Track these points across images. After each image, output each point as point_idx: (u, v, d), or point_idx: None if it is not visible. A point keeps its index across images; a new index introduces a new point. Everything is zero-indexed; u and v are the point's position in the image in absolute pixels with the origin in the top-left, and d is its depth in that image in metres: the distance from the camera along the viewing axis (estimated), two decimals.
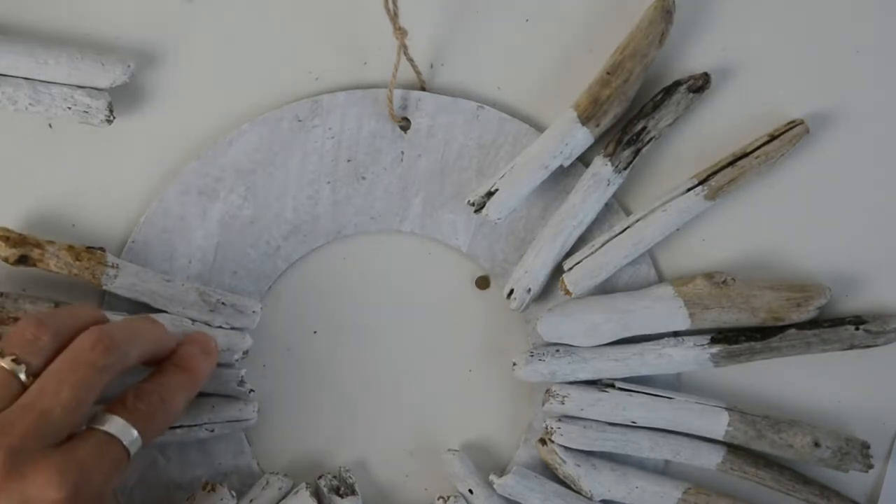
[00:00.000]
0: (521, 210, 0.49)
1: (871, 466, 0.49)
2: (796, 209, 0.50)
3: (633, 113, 0.48)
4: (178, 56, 0.48)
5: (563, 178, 0.49)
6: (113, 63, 0.46)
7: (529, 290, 0.48)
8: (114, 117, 0.46)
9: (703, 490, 0.49)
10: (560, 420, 0.48)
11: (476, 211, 0.48)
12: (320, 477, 0.49)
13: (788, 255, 0.50)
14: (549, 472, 0.49)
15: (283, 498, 0.48)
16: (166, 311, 0.46)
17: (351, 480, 0.49)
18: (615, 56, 0.47)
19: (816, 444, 0.48)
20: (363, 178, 0.49)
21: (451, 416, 0.51)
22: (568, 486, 0.49)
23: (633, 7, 0.48)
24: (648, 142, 0.48)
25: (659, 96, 0.48)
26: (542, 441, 0.49)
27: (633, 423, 0.48)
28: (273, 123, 0.48)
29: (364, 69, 0.49)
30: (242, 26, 0.48)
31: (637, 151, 0.48)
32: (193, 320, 0.46)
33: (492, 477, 0.49)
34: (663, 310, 0.48)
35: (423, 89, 0.49)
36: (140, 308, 0.46)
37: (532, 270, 0.48)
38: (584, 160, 0.49)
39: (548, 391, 0.49)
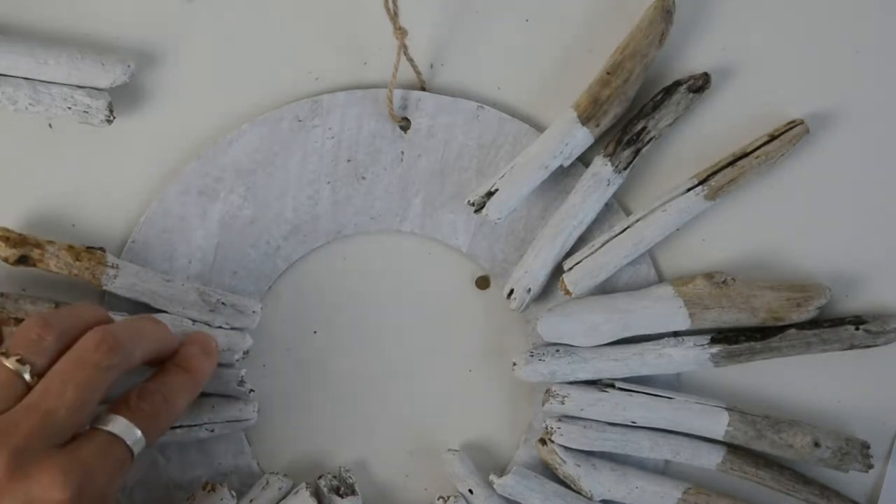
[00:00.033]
0: (521, 210, 0.49)
1: (871, 466, 0.49)
2: (796, 209, 0.50)
3: (633, 113, 0.48)
4: (178, 56, 0.48)
5: (563, 178, 0.49)
6: (113, 63, 0.46)
7: (529, 290, 0.48)
8: (114, 117, 0.46)
9: (703, 490, 0.49)
10: (560, 420, 0.48)
11: (476, 211, 0.48)
12: (320, 477, 0.49)
13: (788, 255, 0.50)
14: (549, 472, 0.49)
15: (283, 498, 0.48)
16: (166, 312, 0.46)
17: (351, 480, 0.49)
18: (615, 56, 0.47)
19: (816, 444, 0.48)
20: (363, 178, 0.49)
21: (451, 416, 0.51)
22: (568, 486, 0.49)
23: (633, 7, 0.48)
24: (648, 142, 0.48)
25: (659, 96, 0.48)
26: (542, 441, 0.49)
27: (633, 423, 0.48)
28: (273, 123, 0.48)
29: (364, 69, 0.49)
30: (242, 26, 0.48)
31: (637, 151, 0.48)
32: (193, 320, 0.46)
33: (492, 477, 0.49)
34: (663, 310, 0.48)
35: (423, 89, 0.49)
36: (140, 308, 0.46)
37: (532, 270, 0.48)
38: (584, 160, 0.49)
39: (548, 391, 0.49)
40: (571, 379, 0.49)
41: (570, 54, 0.49)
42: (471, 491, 0.49)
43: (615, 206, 0.49)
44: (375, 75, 0.49)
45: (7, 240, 0.44)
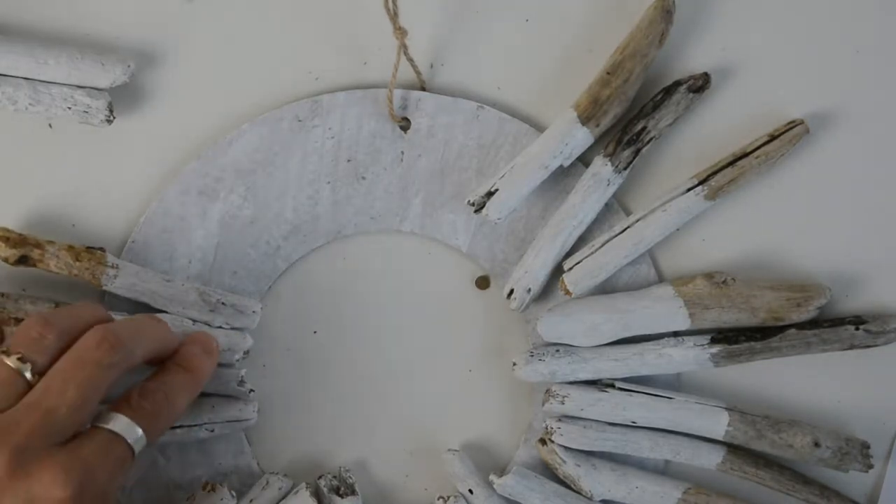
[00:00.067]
0: (521, 210, 0.49)
1: (871, 466, 0.49)
2: (796, 209, 0.50)
3: (633, 113, 0.48)
4: (178, 56, 0.48)
5: (563, 178, 0.49)
6: (113, 63, 0.46)
7: (529, 290, 0.48)
8: (114, 117, 0.46)
9: (703, 490, 0.49)
10: (560, 420, 0.48)
11: (476, 211, 0.48)
12: (320, 477, 0.49)
13: (788, 255, 0.50)
14: (549, 472, 0.49)
15: (283, 498, 0.48)
16: (166, 311, 0.46)
17: (351, 480, 0.49)
18: (615, 56, 0.47)
19: (816, 444, 0.48)
20: (363, 178, 0.49)
21: (451, 416, 0.51)
22: (568, 486, 0.49)
23: (633, 7, 0.48)
24: (648, 142, 0.48)
25: (659, 96, 0.48)
26: (542, 441, 0.49)
27: (633, 423, 0.48)
28: (273, 123, 0.48)
29: (364, 69, 0.49)
30: (242, 26, 0.48)
31: (637, 151, 0.48)
32: (194, 320, 0.46)
33: (492, 477, 0.49)
34: (663, 310, 0.48)
35: (423, 89, 0.49)
36: (140, 308, 0.46)
37: (532, 270, 0.48)
38: (584, 160, 0.49)
39: (548, 391, 0.49)
40: (571, 379, 0.49)
41: (570, 54, 0.49)
42: (471, 491, 0.49)
43: (615, 206, 0.49)
44: (375, 75, 0.49)
45: (7, 240, 0.44)
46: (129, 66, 0.46)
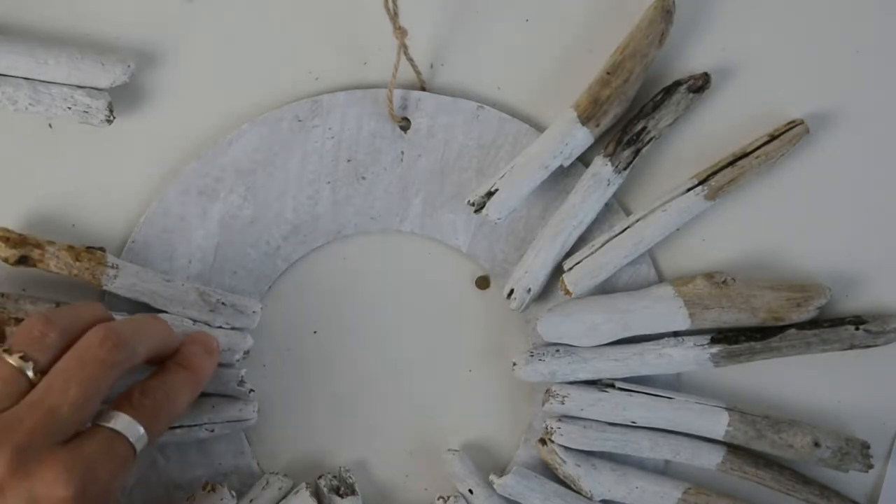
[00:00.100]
0: (521, 210, 0.49)
1: (871, 466, 0.49)
2: (796, 209, 0.50)
3: (633, 113, 0.48)
4: (178, 56, 0.48)
5: (563, 178, 0.49)
6: (113, 63, 0.46)
7: (529, 290, 0.48)
8: (114, 117, 0.46)
9: (703, 490, 0.49)
10: (560, 420, 0.48)
11: (476, 211, 0.48)
12: (320, 477, 0.49)
13: (788, 255, 0.50)
14: (549, 472, 0.49)
15: (283, 498, 0.48)
16: (166, 311, 0.46)
17: (351, 480, 0.49)
18: (615, 56, 0.47)
19: (816, 444, 0.48)
20: (363, 178, 0.49)
21: (451, 416, 0.51)
22: (568, 486, 0.49)
23: (633, 7, 0.48)
24: (648, 142, 0.48)
25: (659, 96, 0.48)
26: (542, 441, 0.49)
27: (633, 423, 0.48)
28: (273, 123, 0.48)
29: (364, 69, 0.49)
30: (242, 26, 0.48)
31: (637, 151, 0.48)
32: (194, 320, 0.46)
33: (492, 477, 0.49)
34: (663, 310, 0.48)
35: (423, 89, 0.49)
36: (140, 308, 0.46)
37: (532, 270, 0.48)
38: (584, 160, 0.49)
39: (548, 391, 0.49)
40: (571, 379, 0.49)
41: (570, 54, 0.49)
42: (471, 491, 0.49)
43: (615, 206, 0.49)
44: (375, 75, 0.49)
45: (7, 240, 0.44)
46: (129, 66, 0.46)
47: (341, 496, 0.48)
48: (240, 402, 0.47)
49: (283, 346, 0.50)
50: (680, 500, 0.49)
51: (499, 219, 0.48)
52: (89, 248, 0.45)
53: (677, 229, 0.48)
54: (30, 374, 0.38)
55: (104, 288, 0.46)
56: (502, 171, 0.48)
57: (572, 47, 0.49)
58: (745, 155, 0.48)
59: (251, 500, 0.48)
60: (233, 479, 0.49)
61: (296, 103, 0.48)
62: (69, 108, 0.46)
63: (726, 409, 0.48)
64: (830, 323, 0.48)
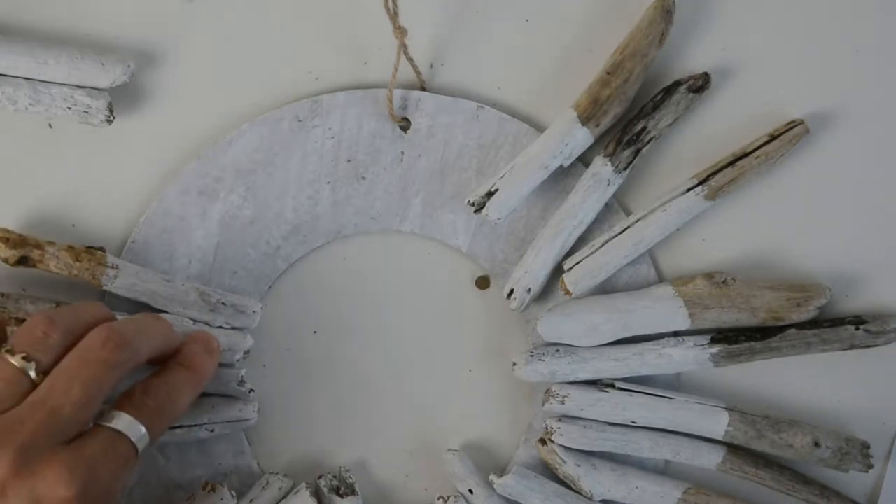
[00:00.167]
0: (521, 210, 0.49)
1: (871, 466, 0.49)
2: (796, 209, 0.50)
3: (633, 113, 0.48)
4: (178, 56, 0.48)
5: (563, 178, 0.49)
6: (113, 63, 0.46)
7: (529, 290, 0.48)
8: (114, 117, 0.46)
9: (703, 490, 0.49)
10: (560, 420, 0.48)
11: (476, 211, 0.48)
12: (320, 477, 0.49)
13: (788, 255, 0.50)
14: (549, 472, 0.49)
15: (283, 498, 0.48)
16: (166, 312, 0.46)
17: (351, 480, 0.49)
18: (615, 56, 0.47)
19: (816, 444, 0.48)
20: (363, 178, 0.49)
21: (451, 416, 0.51)
22: (568, 486, 0.49)
23: (633, 7, 0.48)
24: (648, 142, 0.48)
25: (659, 96, 0.48)
26: (542, 441, 0.49)
27: (633, 423, 0.48)
28: (273, 123, 0.48)
29: (364, 69, 0.49)
30: (242, 26, 0.48)
31: (637, 151, 0.48)
32: (194, 320, 0.46)
33: (492, 477, 0.49)
34: (663, 310, 0.48)
35: (423, 89, 0.49)
36: (140, 308, 0.46)
37: (532, 270, 0.48)
38: (584, 160, 0.49)
39: (548, 391, 0.49)
40: (571, 379, 0.49)
41: (570, 54, 0.49)
42: (471, 491, 0.49)
43: (615, 206, 0.49)
44: (375, 75, 0.49)
45: (7, 241, 0.44)
46: (129, 66, 0.46)
47: (341, 496, 0.48)
48: (240, 402, 0.47)
49: (283, 346, 0.50)
50: (680, 500, 0.49)
51: (499, 219, 0.48)
52: (89, 249, 0.45)
53: (677, 229, 0.48)
54: (32, 374, 0.38)
55: (104, 288, 0.46)
56: (502, 171, 0.48)
57: (572, 47, 0.49)
58: (745, 155, 0.48)
59: (251, 500, 0.48)
60: (233, 479, 0.49)
61: (296, 103, 0.48)
62: (69, 108, 0.46)
63: (726, 409, 0.48)
64: (830, 323, 0.48)
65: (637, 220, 0.48)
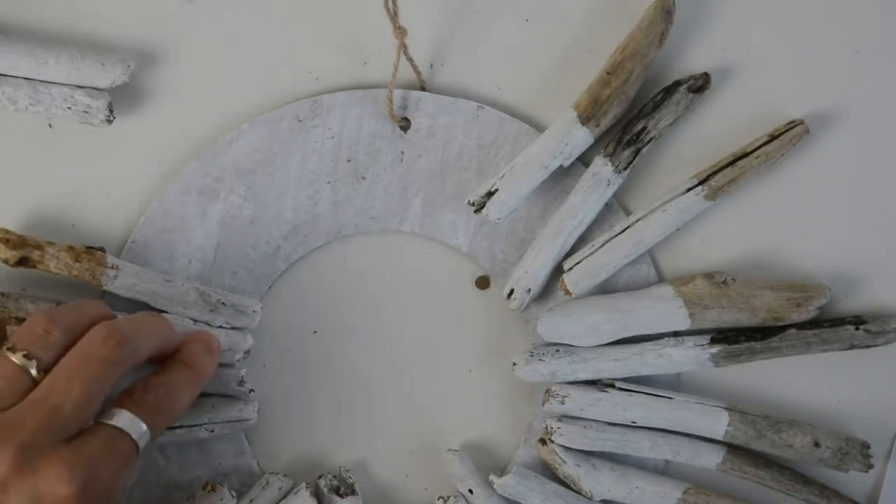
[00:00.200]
0: (521, 210, 0.49)
1: (871, 466, 0.49)
2: (796, 209, 0.50)
3: (633, 113, 0.48)
4: (178, 56, 0.48)
5: (563, 178, 0.49)
6: (113, 63, 0.46)
7: (529, 290, 0.48)
8: (114, 117, 0.46)
9: (703, 490, 0.49)
10: (560, 420, 0.48)
11: (476, 211, 0.48)
12: (320, 477, 0.49)
13: (788, 255, 0.50)
14: (549, 472, 0.49)
15: (283, 498, 0.48)
16: (166, 312, 0.46)
17: (351, 480, 0.49)
18: (615, 56, 0.47)
19: (816, 444, 0.48)
20: (363, 178, 0.49)
21: (451, 416, 0.51)
22: (568, 486, 0.49)
23: (633, 7, 0.48)
24: (648, 142, 0.48)
25: (659, 96, 0.48)
26: (542, 441, 0.49)
27: (633, 423, 0.48)
28: (273, 123, 0.48)
29: (364, 69, 0.49)
30: (242, 26, 0.48)
31: (637, 151, 0.48)
32: (194, 320, 0.46)
33: (492, 477, 0.49)
34: (663, 310, 0.48)
35: (423, 89, 0.49)
36: (140, 308, 0.46)
37: (532, 270, 0.48)
38: (584, 160, 0.49)
39: (548, 391, 0.49)
40: (571, 379, 0.49)
41: (570, 54, 0.49)
42: (471, 491, 0.49)
43: (615, 206, 0.49)
44: (375, 75, 0.49)
45: (7, 241, 0.44)
46: (129, 66, 0.46)
47: (341, 496, 0.48)
48: (240, 402, 0.47)
49: (283, 346, 0.50)
50: (680, 500, 0.49)
51: (499, 219, 0.48)
52: (89, 249, 0.45)
53: (677, 229, 0.48)
54: (33, 372, 0.38)
55: (104, 288, 0.46)
56: (502, 171, 0.48)
57: (572, 47, 0.49)
58: (745, 155, 0.48)
59: (251, 500, 0.48)
60: (233, 479, 0.49)
61: (296, 103, 0.48)
62: (69, 108, 0.46)
63: (726, 409, 0.48)
64: (830, 323, 0.48)
65: (637, 220, 0.48)
